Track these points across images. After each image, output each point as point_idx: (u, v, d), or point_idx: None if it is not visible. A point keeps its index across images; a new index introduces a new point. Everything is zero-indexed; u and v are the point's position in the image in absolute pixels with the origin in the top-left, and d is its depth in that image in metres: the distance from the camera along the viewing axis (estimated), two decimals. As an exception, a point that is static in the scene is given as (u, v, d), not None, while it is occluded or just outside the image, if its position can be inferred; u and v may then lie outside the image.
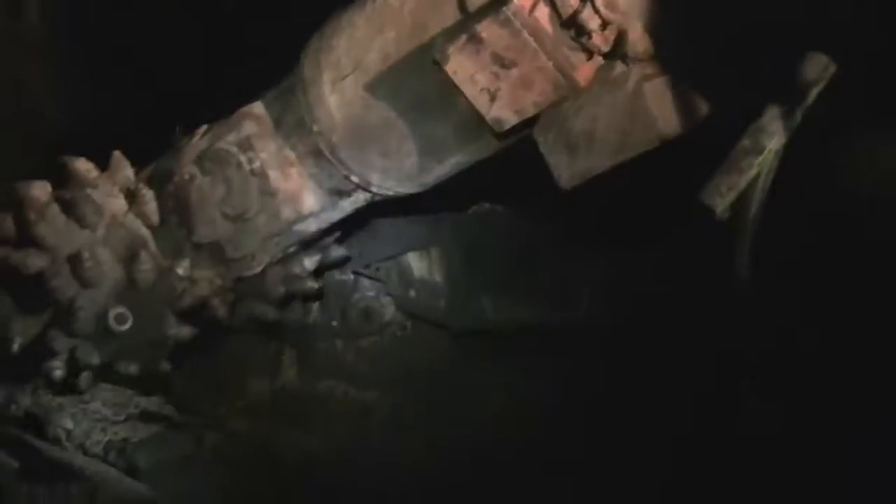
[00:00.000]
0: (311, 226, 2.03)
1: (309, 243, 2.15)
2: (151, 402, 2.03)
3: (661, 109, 1.68)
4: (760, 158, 1.53)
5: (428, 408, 2.20)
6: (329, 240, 2.23)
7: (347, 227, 2.19)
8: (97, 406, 1.97)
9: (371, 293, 2.33)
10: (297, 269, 2.20)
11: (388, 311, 2.32)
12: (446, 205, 2.07)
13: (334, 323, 2.32)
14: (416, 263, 2.30)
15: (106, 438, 1.95)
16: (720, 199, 1.51)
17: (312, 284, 2.24)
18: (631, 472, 2.00)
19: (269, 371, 2.29)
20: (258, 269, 2.10)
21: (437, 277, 2.28)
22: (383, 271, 2.32)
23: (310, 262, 2.21)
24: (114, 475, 1.87)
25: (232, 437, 2.16)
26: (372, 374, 2.26)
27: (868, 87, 1.51)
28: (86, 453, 1.89)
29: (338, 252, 2.27)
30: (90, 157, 2.05)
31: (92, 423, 1.95)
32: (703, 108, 1.66)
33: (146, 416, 2.00)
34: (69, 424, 1.94)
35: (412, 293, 2.29)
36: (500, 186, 2.03)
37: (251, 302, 2.24)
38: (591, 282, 2.20)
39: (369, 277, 2.32)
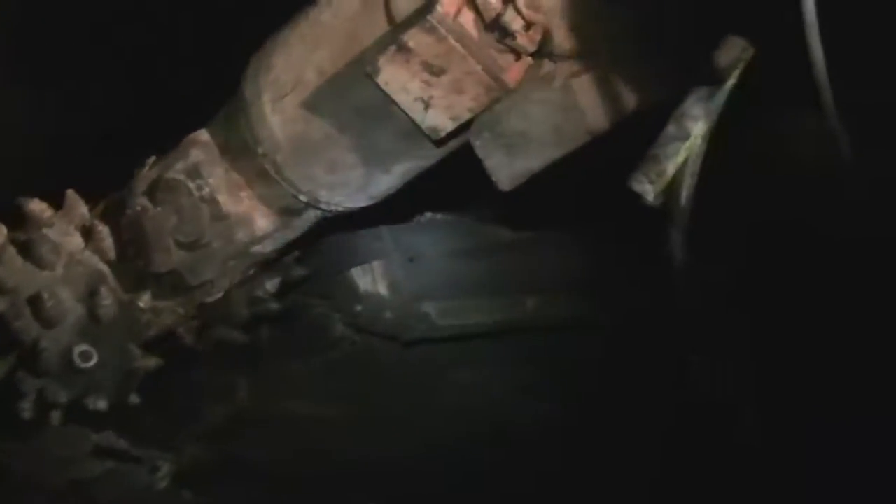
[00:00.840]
0: (267, 247, 2.05)
1: (269, 264, 2.18)
2: (103, 438, 2.03)
3: (589, 104, 1.70)
4: (687, 143, 1.54)
5: (384, 418, 2.21)
6: (289, 259, 2.25)
7: (305, 246, 2.21)
8: (50, 448, 1.97)
9: (319, 310, 2.34)
10: (259, 292, 2.23)
11: (338, 327, 2.34)
12: (387, 217, 2.08)
13: (284, 343, 2.33)
14: (361, 278, 2.31)
15: (64, 479, 1.95)
16: (650, 186, 1.52)
17: (276, 306, 2.26)
18: (589, 472, 2.01)
19: (223, 395, 2.30)
20: (220, 295, 2.12)
21: (382, 290, 2.29)
22: (329, 288, 2.34)
23: (271, 284, 2.23)
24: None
25: (189, 465, 2.16)
26: (325, 391, 2.27)
27: (791, 66, 1.52)
28: (46, 496, 1.89)
29: (299, 271, 2.30)
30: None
31: (47, 466, 1.95)
32: (632, 100, 1.68)
33: (99, 452, 2.01)
34: (24, 468, 1.94)
35: (358, 307, 2.31)
36: (439, 194, 2.04)
37: (218, 327, 2.27)
38: (536, 282, 2.21)
39: (316, 294, 2.34)
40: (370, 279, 2.29)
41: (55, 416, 2.04)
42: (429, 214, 2.28)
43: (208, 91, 1.98)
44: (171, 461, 2.08)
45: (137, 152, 2.06)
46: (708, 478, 1.82)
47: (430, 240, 2.28)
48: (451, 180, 1.92)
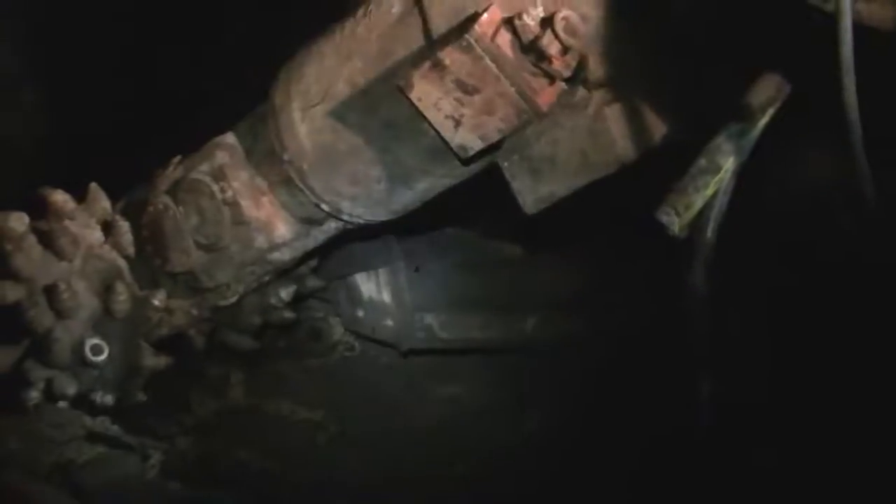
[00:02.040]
0: (285, 254, 2.05)
1: (284, 272, 2.18)
2: (97, 423, 2.03)
3: (620, 133, 1.70)
4: (717, 178, 1.54)
5: (376, 426, 2.20)
6: (304, 269, 2.25)
7: (323, 256, 2.22)
8: (41, 427, 1.97)
9: (319, 314, 2.34)
10: (272, 300, 2.23)
11: (337, 331, 2.34)
12: (396, 226, 2.08)
13: (281, 343, 2.33)
14: (365, 284, 2.31)
15: (51, 460, 1.95)
16: (676, 218, 1.52)
17: (289, 315, 2.27)
18: (583, 484, 2.00)
19: (217, 391, 2.30)
20: (234, 299, 2.12)
21: (385, 297, 2.30)
22: (331, 291, 2.34)
23: (286, 292, 2.23)
24: (59, 498, 1.87)
25: (179, 457, 2.16)
26: (319, 394, 2.27)
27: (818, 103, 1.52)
28: (30, 474, 1.89)
29: (314, 282, 2.30)
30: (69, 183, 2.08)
31: (37, 444, 1.95)
32: (662, 132, 1.69)
33: (92, 437, 2.01)
34: (13, 445, 1.94)
35: (360, 313, 2.31)
36: (448, 208, 2.04)
37: (227, 332, 2.27)
38: (537, 299, 2.21)
39: (318, 298, 2.34)
40: (374, 286, 2.29)
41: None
42: (439, 227, 2.28)
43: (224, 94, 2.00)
44: (162, 451, 2.07)
45: (157, 150, 2.07)
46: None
47: (437, 252, 2.28)
48: (463, 195, 1.92)
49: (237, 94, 2.00)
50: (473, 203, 2.00)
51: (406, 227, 2.15)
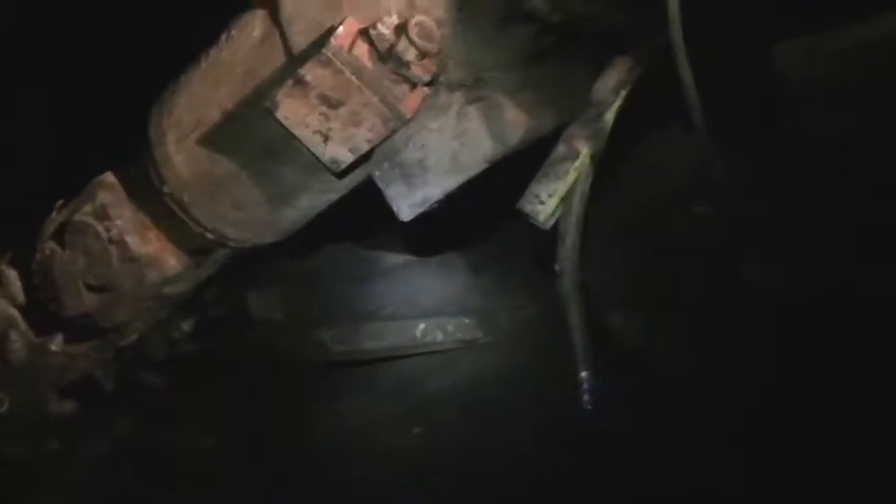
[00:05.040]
0: (180, 287, 2.04)
1: (185, 305, 2.18)
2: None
3: (485, 132, 1.72)
4: (577, 163, 1.56)
5: (267, 448, 2.20)
6: (205, 297, 2.25)
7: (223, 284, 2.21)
8: None
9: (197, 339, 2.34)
10: (176, 334, 2.23)
11: (218, 354, 2.33)
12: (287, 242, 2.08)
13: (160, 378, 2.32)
14: (255, 302, 2.31)
15: None
16: (541, 206, 1.54)
17: (193, 346, 2.27)
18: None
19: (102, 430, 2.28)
20: (135, 337, 2.12)
21: (277, 315, 2.30)
22: (221, 313, 2.33)
23: (187, 324, 2.23)
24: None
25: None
26: (209, 421, 2.26)
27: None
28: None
29: (217, 310, 2.30)
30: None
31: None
32: (526, 127, 1.71)
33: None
34: None
35: (245, 334, 2.31)
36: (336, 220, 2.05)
37: (136, 371, 2.26)
38: (427, 307, 2.23)
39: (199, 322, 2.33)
40: (264, 304, 2.29)
41: None
42: (324, 243, 2.29)
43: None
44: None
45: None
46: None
47: (328, 265, 2.29)
48: (347, 207, 1.93)
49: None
50: (354, 216, 2.00)
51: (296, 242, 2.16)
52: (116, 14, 2.40)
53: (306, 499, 2.10)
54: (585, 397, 1.64)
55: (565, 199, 1.56)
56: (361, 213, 1.95)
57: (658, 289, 1.83)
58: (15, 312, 2.03)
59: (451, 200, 1.77)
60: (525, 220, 1.57)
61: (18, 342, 2.00)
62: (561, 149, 1.57)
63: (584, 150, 1.56)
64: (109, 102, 2.39)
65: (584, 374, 1.64)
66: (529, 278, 1.97)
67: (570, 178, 1.56)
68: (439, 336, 2.21)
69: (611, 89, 1.56)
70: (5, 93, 2.41)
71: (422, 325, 2.23)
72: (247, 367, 2.31)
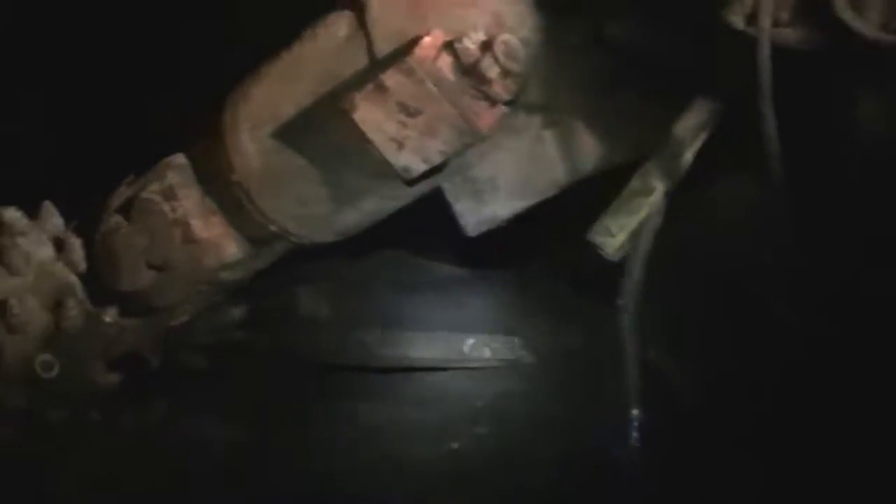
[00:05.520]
0: (236, 274, 2.06)
1: (237, 292, 2.19)
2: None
3: (559, 157, 1.73)
4: (650, 199, 1.57)
5: (285, 446, 2.20)
6: (256, 287, 2.26)
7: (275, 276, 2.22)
8: None
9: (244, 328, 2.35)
10: (225, 320, 2.25)
11: (262, 346, 2.34)
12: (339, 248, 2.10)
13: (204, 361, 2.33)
14: (304, 298, 2.32)
15: None
16: (611, 239, 1.54)
17: (241, 335, 2.28)
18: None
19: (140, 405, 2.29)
20: (185, 319, 2.14)
21: (323, 312, 2.30)
22: (270, 304, 2.34)
23: (238, 312, 2.25)
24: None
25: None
26: (235, 411, 2.26)
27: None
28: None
29: (266, 302, 2.31)
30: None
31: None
32: (600, 156, 1.71)
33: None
34: None
35: (291, 328, 2.31)
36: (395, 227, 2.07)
37: (181, 351, 2.28)
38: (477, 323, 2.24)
39: (248, 311, 2.34)
40: (313, 301, 2.30)
41: None
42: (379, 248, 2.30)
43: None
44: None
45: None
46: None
47: (380, 270, 2.29)
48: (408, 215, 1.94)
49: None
50: (411, 225, 2.01)
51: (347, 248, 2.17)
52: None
53: (329, 501, 2.10)
54: (635, 434, 1.64)
55: (634, 234, 1.57)
56: (418, 221, 1.95)
57: (697, 331, 1.83)
58: (75, 280, 2.05)
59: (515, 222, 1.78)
60: (582, 249, 1.57)
61: (75, 310, 2.02)
62: (636, 184, 1.57)
63: (659, 187, 1.56)
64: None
65: (635, 411, 1.65)
66: (573, 306, 1.97)
67: (642, 213, 1.56)
68: (486, 352, 2.22)
69: (691, 129, 1.56)
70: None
71: (471, 341, 2.23)
72: (289, 362, 2.32)
